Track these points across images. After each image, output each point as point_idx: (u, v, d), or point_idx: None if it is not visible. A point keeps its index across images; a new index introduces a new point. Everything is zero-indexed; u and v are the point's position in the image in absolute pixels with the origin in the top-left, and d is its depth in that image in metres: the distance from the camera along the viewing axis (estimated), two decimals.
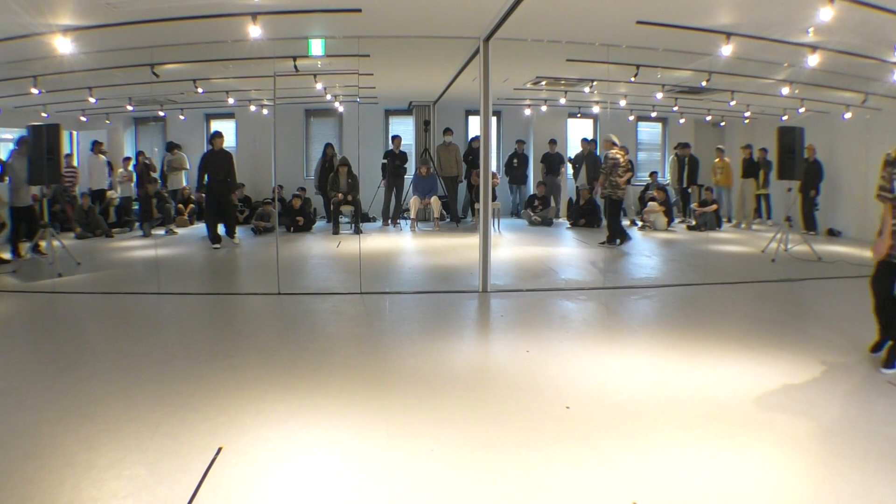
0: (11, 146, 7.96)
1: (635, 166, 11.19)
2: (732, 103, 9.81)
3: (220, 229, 8.80)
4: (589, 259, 8.06)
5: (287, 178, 11.07)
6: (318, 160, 11.05)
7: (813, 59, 6.52)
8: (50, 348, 4.36)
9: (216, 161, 8.65)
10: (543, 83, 9.58)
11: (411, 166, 11.55)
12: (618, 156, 8.60)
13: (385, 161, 11.08)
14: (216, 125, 11.21)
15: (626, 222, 10.82)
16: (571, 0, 5.33)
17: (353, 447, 2.81)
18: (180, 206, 10.35)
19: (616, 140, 8.83)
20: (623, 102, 10.37)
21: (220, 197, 8.71)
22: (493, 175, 9.35)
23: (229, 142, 11.22)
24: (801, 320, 5.21)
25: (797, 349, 4.29)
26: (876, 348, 4.11)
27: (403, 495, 2.42)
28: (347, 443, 2.86)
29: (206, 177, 8.67)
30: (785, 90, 8.65)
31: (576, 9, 5.59)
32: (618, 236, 8.76)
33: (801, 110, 9.94)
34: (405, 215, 11.48)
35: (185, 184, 10.44)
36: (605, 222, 9.19)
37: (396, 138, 11.16)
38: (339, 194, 10.25)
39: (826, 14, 4.87)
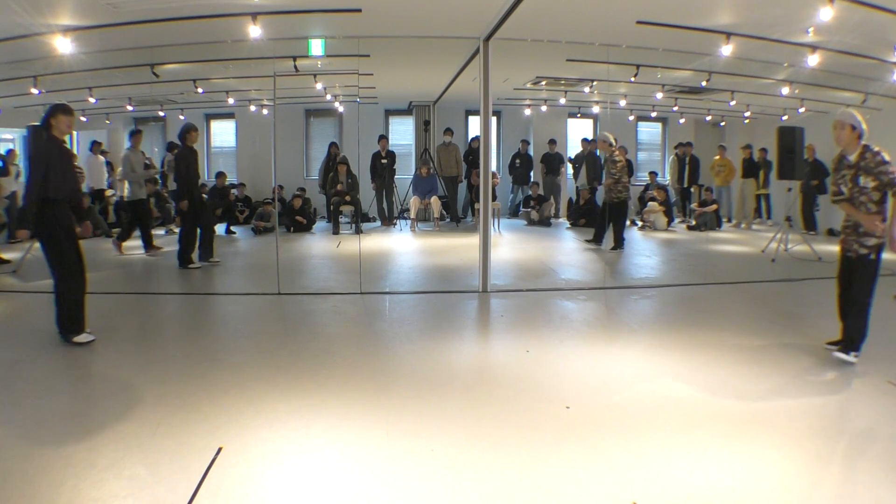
0: (17, 145, 8.00)
1: (634, 167, 11.19)
2: (732, 103, 9.82)
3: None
4: (589, 259, 8.06)
5: (287, 178, 11.08)
6: (323, 160, 11.03)
7: (813, 59, 6.53)
8: (49, 348, 4.36)
9: (192, 160, 7.18)
10: (543, 83, 9.58)
11: (402, 167, 11.48)
12: (619, 158, 8.50)
13: (384, 162, 11.06)
14: (216, 125, 11.23)
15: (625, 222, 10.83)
16: (571, 0, 5.34)
17: (353, 447, 2.81)
18: None
19: (613, 140, 8.51)
20: (623, 102, 10.37)
21: (197, 203, 7.28)
22: (494, 175, 9.33)
23: (230, 142, 11.28)
24: (800, 320, 5.21)
25: (796, 349, 4.29)
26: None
27: (403, 495, 2.42)
28: (347, 442, 2.86)
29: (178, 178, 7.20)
30: (785, 90, 8.66)
31: (576, 9, 5.59)
32: (618, 241, 8.62)
33: (801, 110, 9.96)
34: (405, 215, 11.47)
35: None
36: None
37: (382, 139, 11.01)
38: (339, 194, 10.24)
39: (826, 14, 4.88)
